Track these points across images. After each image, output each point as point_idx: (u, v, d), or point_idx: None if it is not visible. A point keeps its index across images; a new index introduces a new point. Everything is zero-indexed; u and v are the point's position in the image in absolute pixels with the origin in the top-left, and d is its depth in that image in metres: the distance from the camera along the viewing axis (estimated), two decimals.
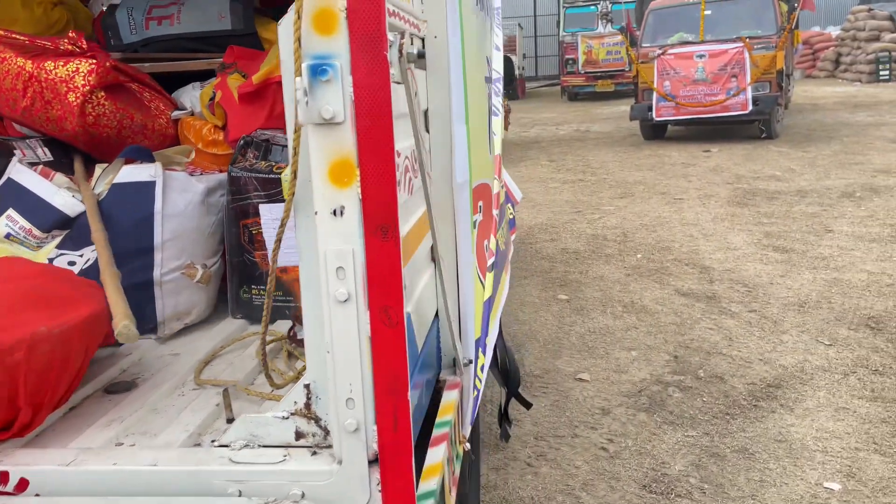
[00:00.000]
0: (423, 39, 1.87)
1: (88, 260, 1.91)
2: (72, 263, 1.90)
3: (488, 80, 3.29)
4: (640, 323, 5.11)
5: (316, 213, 1.13)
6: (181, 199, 1.97)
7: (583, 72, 21.57)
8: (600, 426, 3.79)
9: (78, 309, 1.43)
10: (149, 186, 1.93)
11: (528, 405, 3.72)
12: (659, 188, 9.49)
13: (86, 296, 1.46)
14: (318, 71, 1.08)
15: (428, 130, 1.95)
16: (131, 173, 1.96)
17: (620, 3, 17.21)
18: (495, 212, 2.81)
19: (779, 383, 4.10)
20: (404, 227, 1.66)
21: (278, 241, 1.26)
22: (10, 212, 2.00)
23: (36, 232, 2.00)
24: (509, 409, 3.60)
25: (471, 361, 1.98)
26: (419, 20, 1.83)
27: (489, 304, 2.39)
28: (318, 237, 1.14)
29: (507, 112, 6.41)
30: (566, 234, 7.58)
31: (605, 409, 3.94)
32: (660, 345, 4.72)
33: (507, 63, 6.01)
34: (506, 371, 3.79)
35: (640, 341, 4.80)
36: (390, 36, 1.09)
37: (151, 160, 2.05)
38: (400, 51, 1.10)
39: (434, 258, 1.81)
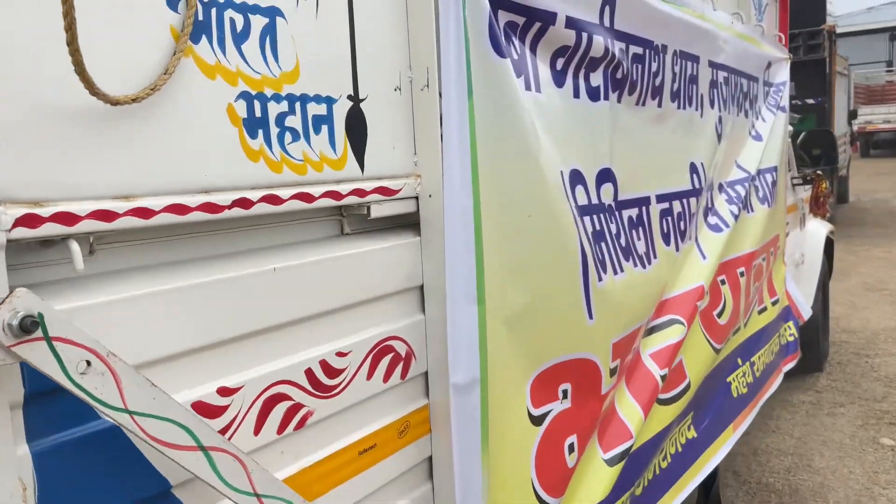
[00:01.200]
0: (416, 199, 1.45)
1: None
2: None
3: (699, 189, 2.60)
4: None
5: None
6: None
7: None
8: None
9: None
10: None
11: None
12: None
13: None
14: None
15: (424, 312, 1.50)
16: None
17: None
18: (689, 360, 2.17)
19: None
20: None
21: None
22: None
23: None
24: None
25: None
26: (401, 176, 1.42)
27: None
28: None
29: (827, 196, 5.32)
30: None
31: None
32: None
33: (826, 137, 4.95)
34: None
35: None
36: None
37: None
38: None
39: None
